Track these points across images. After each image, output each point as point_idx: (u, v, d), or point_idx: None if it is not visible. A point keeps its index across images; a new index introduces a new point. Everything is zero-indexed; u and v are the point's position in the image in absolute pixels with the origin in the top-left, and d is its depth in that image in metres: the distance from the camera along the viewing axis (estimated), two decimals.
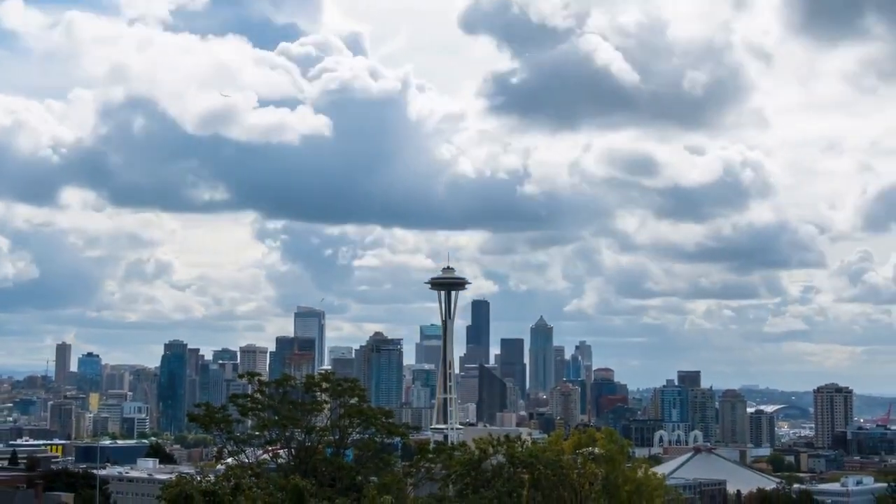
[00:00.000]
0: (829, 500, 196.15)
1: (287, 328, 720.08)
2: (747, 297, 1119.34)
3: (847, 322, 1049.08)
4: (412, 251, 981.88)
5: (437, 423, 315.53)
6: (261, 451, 71.31)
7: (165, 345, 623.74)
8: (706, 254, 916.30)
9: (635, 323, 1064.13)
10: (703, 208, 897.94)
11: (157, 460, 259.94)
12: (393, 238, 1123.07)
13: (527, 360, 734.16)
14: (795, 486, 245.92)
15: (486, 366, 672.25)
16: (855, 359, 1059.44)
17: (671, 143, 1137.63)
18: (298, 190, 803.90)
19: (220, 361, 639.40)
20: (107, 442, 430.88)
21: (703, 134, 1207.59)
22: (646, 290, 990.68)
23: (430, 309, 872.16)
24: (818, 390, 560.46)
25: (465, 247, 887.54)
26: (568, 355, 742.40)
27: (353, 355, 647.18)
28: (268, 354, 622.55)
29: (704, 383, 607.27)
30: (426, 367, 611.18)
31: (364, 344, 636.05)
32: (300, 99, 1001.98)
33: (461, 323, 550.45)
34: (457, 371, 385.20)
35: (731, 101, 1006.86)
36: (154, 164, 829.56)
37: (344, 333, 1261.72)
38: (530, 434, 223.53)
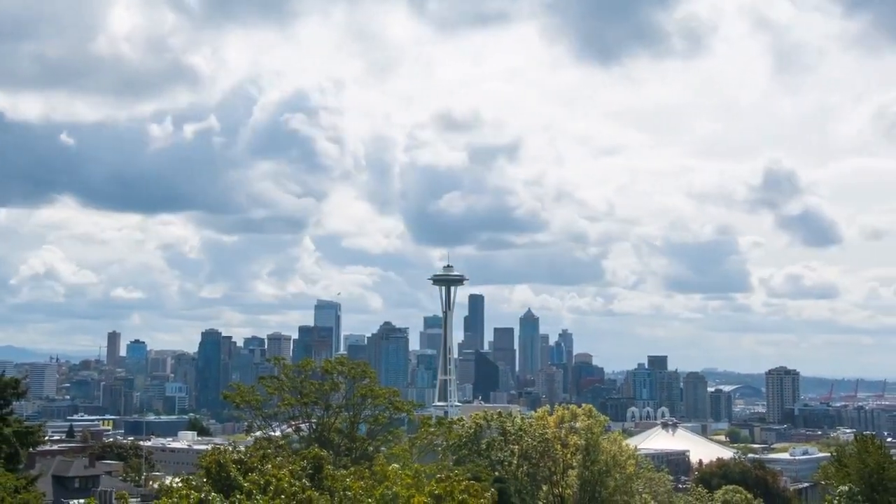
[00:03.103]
0: (779, 468, 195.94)
1: None
2: None
3: None
4: None
5: (439, 401, 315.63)
6: (285, 426, 71.38)
7: (203, 332, 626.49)
8: None
9: None
10: None
11: (195, 433, 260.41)
12: None
13: (516, 346, 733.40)
14: (750, 455, 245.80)
15: (482, 351, 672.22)
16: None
17: None
18: None
19: (251, 347, 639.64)
20: (151, 417, 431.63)
21: None
22: None
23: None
24: (769, 372, 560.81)
25: None
26: (552, 342, 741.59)
27: (366, 342, 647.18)
28: (291, 342, 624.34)
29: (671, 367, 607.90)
30: (429, 352, 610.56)
31: (375, 332, 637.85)
32: None
33: (459, 313, 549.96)
34: (456, 356, 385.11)
35: None
36: None
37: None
38: (519, 411, 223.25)
